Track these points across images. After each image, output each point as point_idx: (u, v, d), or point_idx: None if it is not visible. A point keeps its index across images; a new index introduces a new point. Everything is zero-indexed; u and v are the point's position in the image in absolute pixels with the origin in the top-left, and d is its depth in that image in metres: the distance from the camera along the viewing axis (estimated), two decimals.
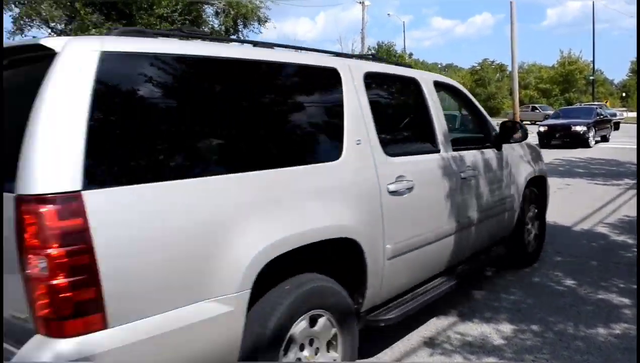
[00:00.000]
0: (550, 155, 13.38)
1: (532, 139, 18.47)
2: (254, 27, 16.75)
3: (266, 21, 16.95)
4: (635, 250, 5.23)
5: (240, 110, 2.52)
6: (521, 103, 30.87)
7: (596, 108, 22.25)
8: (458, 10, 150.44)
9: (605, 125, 21.53)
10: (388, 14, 66.17)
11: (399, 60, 26.41)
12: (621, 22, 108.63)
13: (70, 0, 11.90)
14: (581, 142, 18.70)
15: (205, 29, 15.26)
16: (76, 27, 11.55)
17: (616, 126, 26.36)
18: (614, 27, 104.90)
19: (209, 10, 15.77)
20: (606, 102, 40.51)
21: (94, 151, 1.90)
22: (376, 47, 28.30)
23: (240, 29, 16.25)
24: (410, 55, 28.24)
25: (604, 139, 21.38)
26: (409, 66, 4.57)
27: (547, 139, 19.17)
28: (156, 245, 2.03)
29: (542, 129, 19.46)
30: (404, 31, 54.06)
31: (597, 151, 17.04)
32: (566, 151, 16.88)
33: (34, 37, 13.46)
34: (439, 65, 56.50)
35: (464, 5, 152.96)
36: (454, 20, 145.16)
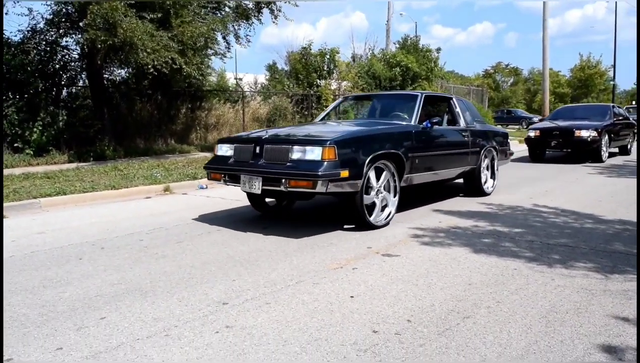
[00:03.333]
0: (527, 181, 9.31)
1: (517, 148, 13.55)
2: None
3: None
4: None
5: None
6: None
7: (612, 107, 15.26)
8: (459, 19, 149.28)
9: (624, 132, 15.11)
10: (400, 14, 65.57)
11: (425, 55, 25.14)
12: (620, 34, 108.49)
13: None
14: (590, 153, 13.24)
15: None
16: None
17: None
18: (612, 39, 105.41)
19: None
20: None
21: None
22: (400, 40, 26.60)
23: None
24: (439, 49, 26.12)
25: (623, 151, 15.62)
26: None
27: (540, 148, 13.68)
28: None
29: (532, 133, 13.83)
30: (415, 30, 52.96)
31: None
32: (564, 168, 11.88)
33: (29, 8, 12.09)
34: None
35: (465, 13, 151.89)
36: (455, 28, 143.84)
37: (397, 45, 26.93)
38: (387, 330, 2.90)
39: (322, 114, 8.15)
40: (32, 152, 11.17)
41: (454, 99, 7.82)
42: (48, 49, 12.37)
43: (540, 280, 3.80)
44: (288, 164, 5.14)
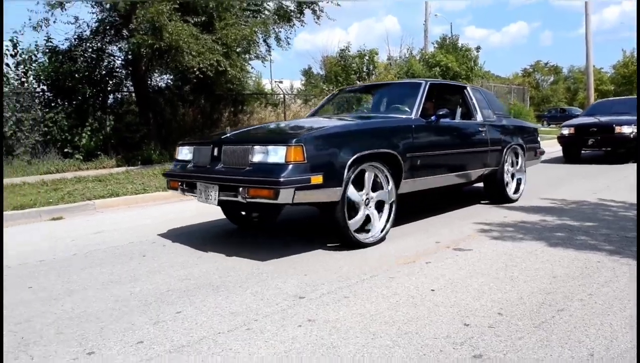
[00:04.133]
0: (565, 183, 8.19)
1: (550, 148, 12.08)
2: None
3: None
4: None
5: None
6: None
7: None
8: (492, 19, 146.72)
9: None
10: (435, 15, 64.09)
11: (465, 54, 24.71)
12: None
13: None
14: (632, 152, 11.27)
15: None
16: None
17: None
18: None
19: None
20: None
21: None
22: (439, 40, 26.27)
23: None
24: (478, 48, 25.48)
25: None
26: None
27: (575, 148, 12.15)
28: None
29: (566, 131, 12.23)
30: (451, 31, 52.27)
31: None
32: (609, 168, 10.46)
33: (75, 16, 12.40)
34: None
35: (499, 14, 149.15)
36: (489, 29, 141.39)
37: (435, 46, 26.59)
38: (479, 323, 2.73)
39: (313, 109, 7.08)
40: (81, 157, 11.35)
41: (468, 89, 6.62)
42: (94, 56, 12.58)
43: (629, 272, 3.56)
44: (247, 168, 4.11)
